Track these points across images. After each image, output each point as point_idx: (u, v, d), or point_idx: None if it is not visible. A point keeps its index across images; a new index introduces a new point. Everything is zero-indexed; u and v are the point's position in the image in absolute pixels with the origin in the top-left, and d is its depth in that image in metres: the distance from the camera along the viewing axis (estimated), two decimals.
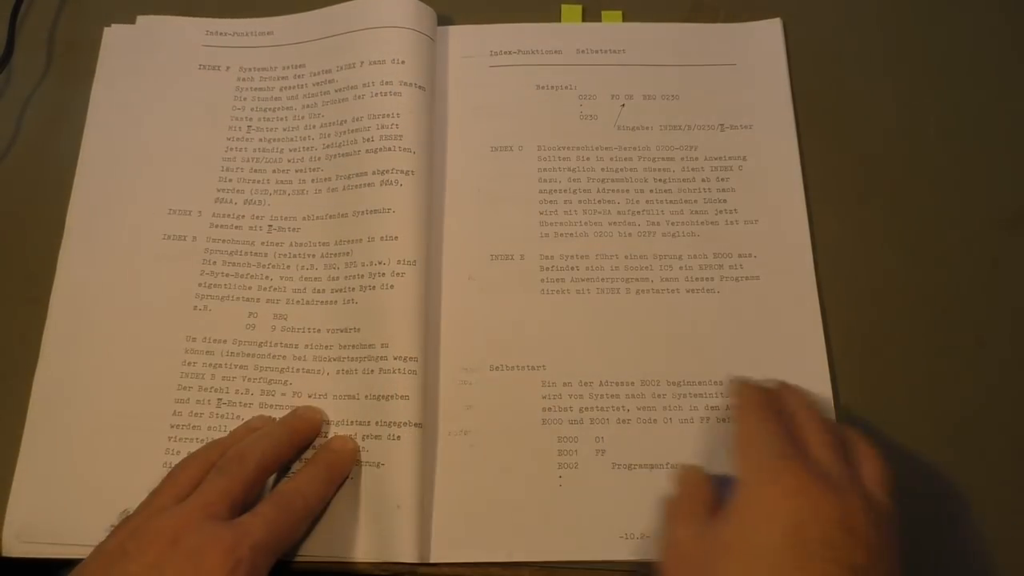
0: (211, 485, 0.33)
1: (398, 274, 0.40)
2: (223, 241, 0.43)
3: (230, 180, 0.44)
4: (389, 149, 0.42)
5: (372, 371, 0.39)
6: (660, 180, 0.44)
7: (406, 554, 0.36)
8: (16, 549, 0.37)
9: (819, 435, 0.33)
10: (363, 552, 0.37)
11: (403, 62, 0.44)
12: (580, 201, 0.44)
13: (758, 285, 0.42)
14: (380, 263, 0.40)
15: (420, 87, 0.44)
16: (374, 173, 0.42)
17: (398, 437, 0.38)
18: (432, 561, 0.37)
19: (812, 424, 0.33)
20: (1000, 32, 0.48)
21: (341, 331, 0.40)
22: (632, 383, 0.40)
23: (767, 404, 0.34)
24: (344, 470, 0.37)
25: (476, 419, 0.40)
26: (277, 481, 0.38)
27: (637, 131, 0.45)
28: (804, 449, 0.32)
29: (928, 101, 0.46)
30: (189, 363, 0.40)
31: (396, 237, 0.40)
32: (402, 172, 0.42)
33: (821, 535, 0.29)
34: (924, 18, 0.49)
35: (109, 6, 0.48)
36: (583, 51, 0.47)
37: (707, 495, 0.34)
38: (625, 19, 0.48)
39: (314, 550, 0.37)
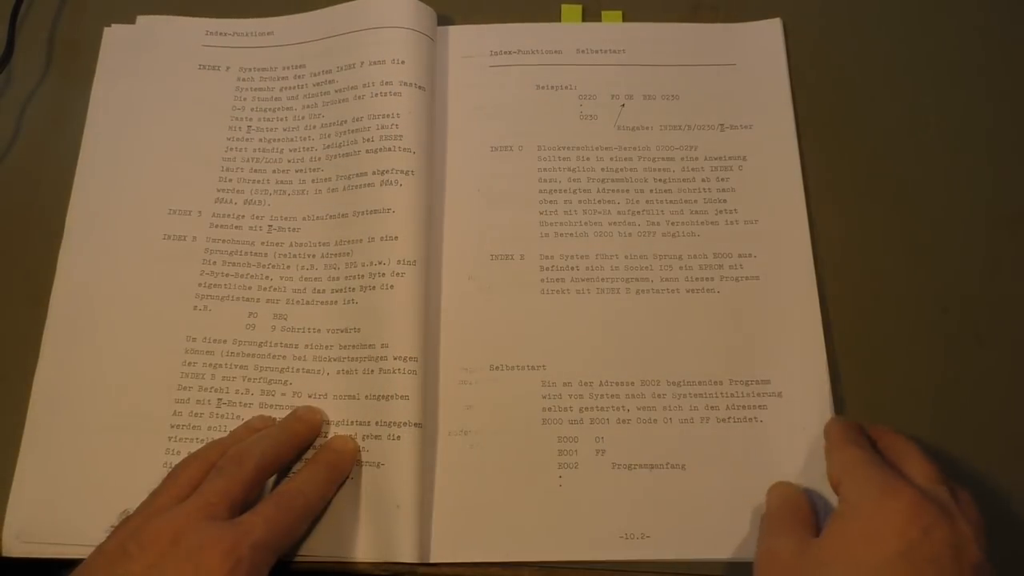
0: (211, 485, 0.33)
1: (398, 274, 0.40)
2: (223, 241, 0.43)
3: (230, 180, 0.44)
4: (389, 149, 0.42)
5: (372, 371, 0.39)
6: (660, 180, 0.44)
7: (406, 554, 0.36)
8: (16, 549, 0.37)
9: (922, 467, 0.34)
10: (363, 552, 0.37)
11: (403, 62, 0.44)
12: (580, 201, 0.44)
13: (758, 285, 0.42)
14: (380, 263, 0.40)
15: (420, 87, 0.44)
16: (374, 173, 0.42)
17: (398, 437, 0.38)
18: (432, 561, 0.37)
19: (914, 457, 0.34)
20: (1000, 31, 0.48)
21: (341, 331, 0.40)
22: (632, 383, 0.40)
23: (862, 435, 0.36)
24: (344, 470, 0.37)
25: (476, 419, 0.40)
26: (278, 482, 0.38)
27: (637, 131, 0.45)
28: (908, 477, 0.33)
29: (928, 101, 0.46)
30: (189, 363, 0.40)
31: (396, 237, 0.40)
32: (402, 172, 0.42)
33: (931, 554, 0.30)
34: (924, 17, 0.49)
35: (109, 6, 0.48)
36: (583, 51, 0.47)
37: (807, 511, 0.35)
38: (625, 19, 0.48)
39: (314, 550, 0.37)
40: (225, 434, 0.38)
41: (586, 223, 0.43)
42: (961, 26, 0.48)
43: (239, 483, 0.34)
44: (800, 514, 0.35)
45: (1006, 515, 0.38)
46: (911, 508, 0.31)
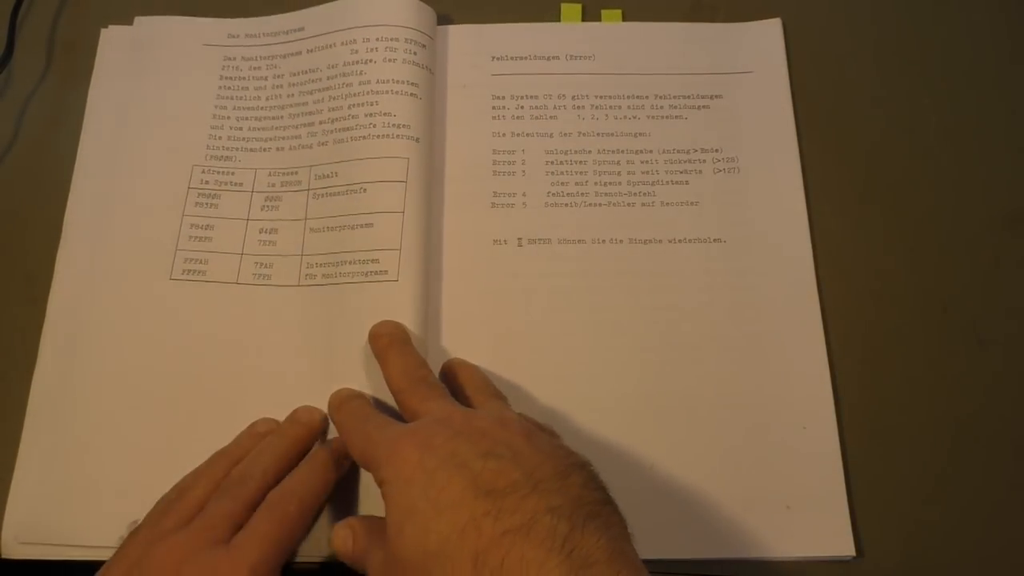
0: (215, 507, 0.34)
1: (397, 271, 0.40)
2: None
3: None
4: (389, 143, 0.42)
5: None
6: (659, 183, 0.44)
7: None
8: (15, 551, 0.37)
9: (424, 394, 0.34)
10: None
11: (402, 62, 0.44)
12: (582, 205, 0.43)
13: (758, 286, 0.42)
14: (374, 260, 0.40)
15: (417, 85, 0.44)
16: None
17: None
18: None
19: (418, 391, 0.35)
20: (1000, 32, 0.48)
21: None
22: (632, 388, 0.40)
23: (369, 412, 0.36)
24: (342, 467, 0.37)
25: None
26: None
27: (636, 131, 0.45)
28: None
29: (928, 101, 0.46)
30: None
31: (396, 237, 0.40)
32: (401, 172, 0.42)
33: (445, 459, 0.29)
34: (924, 18, 0.49)
35: (109, 6, 0.48)
36: (583, 50, 0.47)
37: (368, 525, 0.34)
38: (625, 18, 0.48)
39: (313, 551, 0.36)
40: (225, 431, 0.38)
41: (586, 225, 0.43)
42: (961, 25, 0.48)
43: (242, 504, 0.34)
44: (370, 527, 0.33)
45: (1007, 515, 0.38)
46: (412, 444, 0.30)
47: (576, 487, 0.29)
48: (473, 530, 0.27)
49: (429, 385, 0.35)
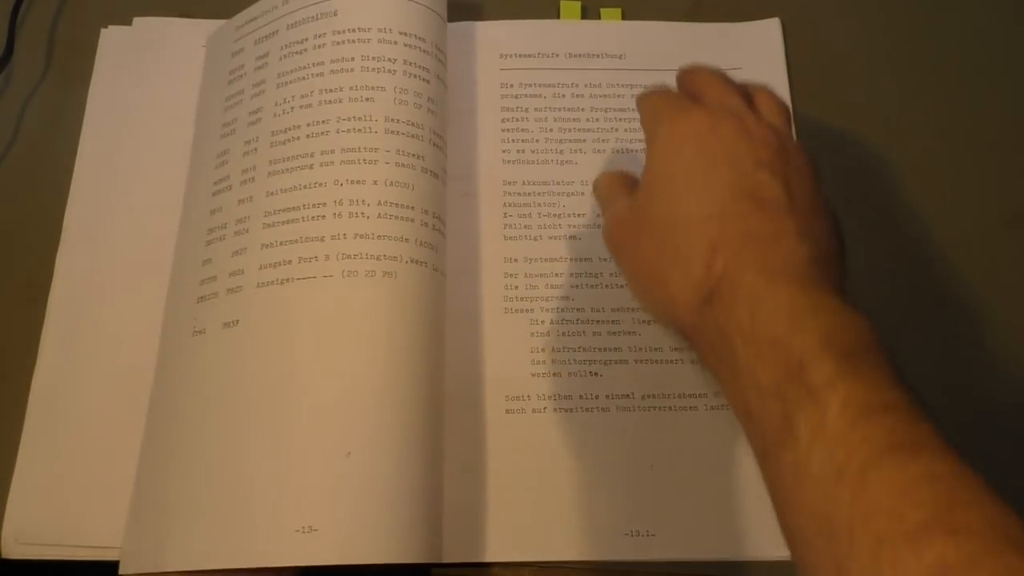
0: None
1: (397, 269, 0.40)
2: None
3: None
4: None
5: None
6: None
7: (407, 555, 0.36)
8: (16, 551, 0.37)
9: (715, 86, 0.34)
10: (373, 553, 0.36)
11: (420, 37, 0.43)
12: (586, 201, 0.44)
13: None
14: (380, 259, 0.40)
15: (426, 68, 0.43)
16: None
17: (407, 439, 0.37)
18: (444, 561, 0.37)
19: (710, 82, 0.34)
20: (1000, 32, 0.48)
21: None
22: (631, 388, 0.40)
23: (670, 88, 0.36)
24: None
25: (477, 419, 0.39)
26: None
27: (635, 132, 0.45)
28: (703, 99, 0.33)
29: (928, 101, 0.46)
30: None
31: (399, 234, 0.40)
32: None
33: (724, 147, 0.30)
34: (924, 17, 0.49)
35: (109, 7, 0.48)
36: (582, 49, 0.47)
37: (627, 177, 0.36)
38: (624, 17, 0.48)
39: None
40: None
41: (585, 225, 0.43)
42: (961, 25, 0.48)
43: None
44: (622, 179, 0.36)
45: None
46: (701, 118, 0.31)
47: (825, 233, 0.30)
48: (718, 221, 0.29)
49: (728, 80, 0.34)
